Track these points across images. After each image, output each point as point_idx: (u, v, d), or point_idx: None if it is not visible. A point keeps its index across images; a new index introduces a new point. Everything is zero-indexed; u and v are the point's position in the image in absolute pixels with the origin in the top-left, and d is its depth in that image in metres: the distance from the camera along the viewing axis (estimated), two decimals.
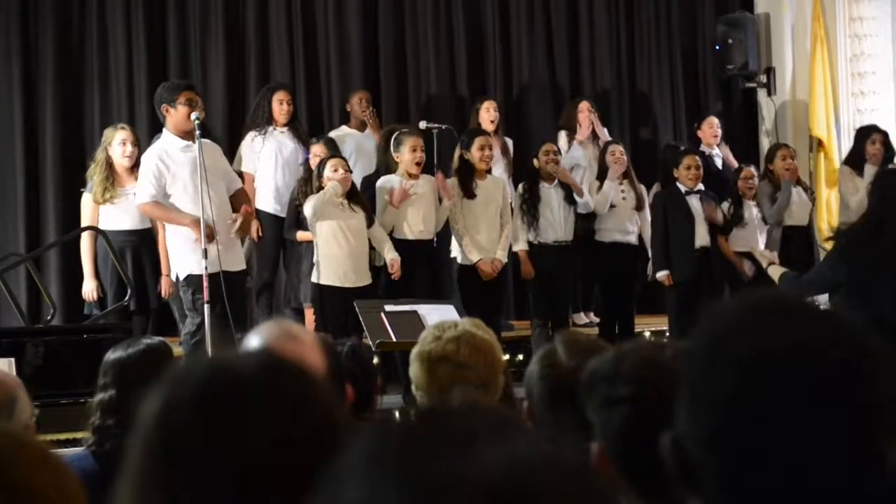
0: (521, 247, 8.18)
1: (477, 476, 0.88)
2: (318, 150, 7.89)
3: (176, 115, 6.64)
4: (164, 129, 6.80)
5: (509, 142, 9.19)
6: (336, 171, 7.27)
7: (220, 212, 6.65)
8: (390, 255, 7.42)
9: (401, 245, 7.53)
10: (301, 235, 7.67)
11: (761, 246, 8.76)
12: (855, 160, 9.07)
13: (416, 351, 2.91)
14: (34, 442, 1.40)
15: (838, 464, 1.07)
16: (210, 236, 6.46)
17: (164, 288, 7.33)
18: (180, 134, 6.66)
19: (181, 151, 6.63)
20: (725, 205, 8.84)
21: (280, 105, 8.39)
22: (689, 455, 1.13)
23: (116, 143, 7.23)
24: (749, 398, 1.10)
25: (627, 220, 8.52)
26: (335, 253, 7.24)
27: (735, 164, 9.29)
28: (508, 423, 0.95)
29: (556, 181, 8.29)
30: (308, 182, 7.57)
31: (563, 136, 9.17)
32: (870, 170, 8.60)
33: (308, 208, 7.23)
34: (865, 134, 9.11)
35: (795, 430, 1.08)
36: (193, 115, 6.59)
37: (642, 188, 8.66)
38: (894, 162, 8.98)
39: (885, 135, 9.06)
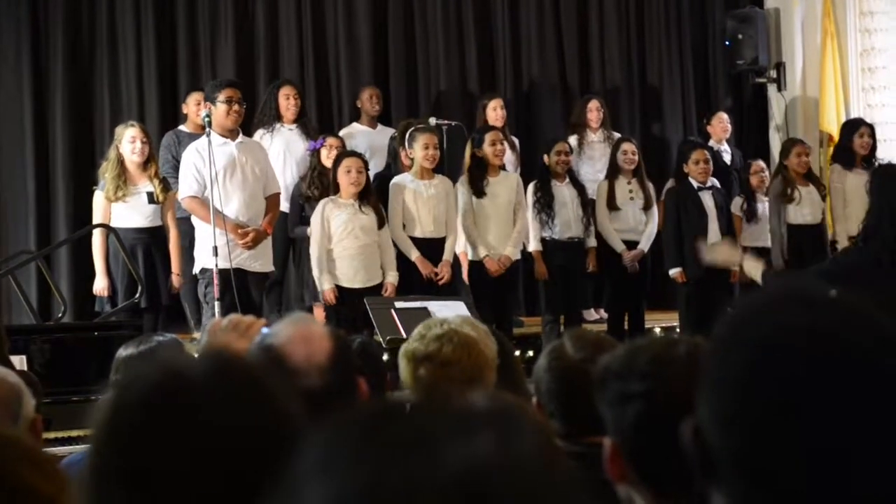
0: (534, 247, 8.18)
1: (433, 477, 0.87)
2: (334, 141, 7.88)
3: (216, 112, 6.88)
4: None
5: (516, 140, 9.18)
6: (349, 172, 7.22)
7: (250, 211, 6.93)
8: (415, 255, 7.46)
9: (413, 243, 7.56)
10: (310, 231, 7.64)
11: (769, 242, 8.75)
12: (843, 155, 9.01)
13: (402, 350, 2.93)
14: (23, 439, 1.41)
15: (854, 446, 1.07)
16: (243, 235, 6.78)
17: (175, 285, 7.39)
18: (220, 131, 6.88)
19: (218, 148, 6.81)
20: (738, 200, 8.84)
21: (287, 100, 8.40)
22: (708, 443, 1.13)
23: (126, 140, 7.25)
24: (764, 381, 1.10)
25: (636, 220, 8.50)
26: (343, 253, 7.24)
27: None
28: (470, 420, 0.93)
29: (567, 179, 8.29)
30: (321, 174, 7.56)
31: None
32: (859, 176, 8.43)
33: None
34: (853, 128, 9.05)
35: (809, 412, 1.08)
36: (203, 112, 6.80)
37: (651, 187, 8.63)
38: (875, 158, 8.92)
39: (872, 128, 9.01)
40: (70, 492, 1.38)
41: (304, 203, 7.78)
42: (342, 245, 7.23)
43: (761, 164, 9.04)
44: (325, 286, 7.18)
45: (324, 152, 7.81)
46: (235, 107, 6.89)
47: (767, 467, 1.09)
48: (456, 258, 7.94)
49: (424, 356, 2.86)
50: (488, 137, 7.90)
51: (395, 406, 0.96)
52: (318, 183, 7.66)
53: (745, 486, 1.10)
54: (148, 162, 7.28)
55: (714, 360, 1.16)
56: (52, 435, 4.86)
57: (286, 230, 8.09)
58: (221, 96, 6.88)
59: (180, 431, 1.31)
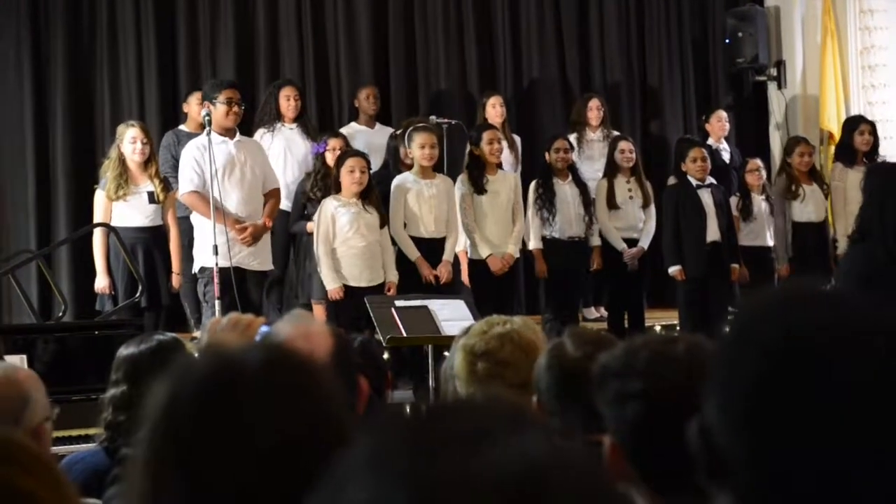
0: (535, 245, 8.18)
1: (487, 475, 0.86)
2: (335, 143, 7.89)
3: (215, 112, 6.96)
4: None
5: (517, 138, 9.18)
6: (352, 172, 7.23)
7: (248, 208, 6.99)
8: (415, 256, 7.46)
9: (413, 243, 7.55)
10: (311, 226, 7.63)
11: (769, 240, 8.74)
12: (844, 152, 9.00)
13: (462, 342, 2.91)
14: (17, 440, 1.40)
15: (866, 446, 1.06)
16: (241, 230, 6.84)
17: (175, 284, 7.41)
18: (219, 130, 6.95)
19: (217, 146, 6.87)
20: (734, 199, 8.84)
21: (287, 101, 8.43)
22: (716, 442, 1.12)
23: (127, 140, 7.25)
24: (776, 380, 1.09)
25: (635, 218, 8.50)
26: (348, 252, 7.24)
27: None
28: (519, 418, 0.93)
29: (570, 177, 8.30)
30: (325, 176, 7.57)
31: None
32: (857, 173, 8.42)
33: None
34: (853, 125, 9.05)
35: (821, 412, 1.07)
36: (203, 112, 6.88)
37: (649, 185, 8.63)
38: (878, 155, 8.93)
39: (873, 125, 9.01)
40: (68, 494, 1.38)
41: (306, 203, 7.78)
42: (347, 244, 7.24)
43: (758, 162, 9.04)
44: (332, 284, 7.18)
45: (328, 155, 7.80)
46: (235, 108, 6.96)
47: (780, 467, 1.08)
48: (456, 257, 7.94)
49: (483, 352, 2.84)
50: (486, 136, 7.90)
51: (444, 404, 0.96)
52: (322, 185, 7.65)
53: (756, 487, 1.10)
54: (149, 162, 7.30)
55: (723, 360, 1.15)
56: (52, 434, 4.85)
57: (286, 228, 8.09)
58: (221, 97, 6.95)
59: (233, 425, 1.32)
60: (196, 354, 2.06)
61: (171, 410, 1.35)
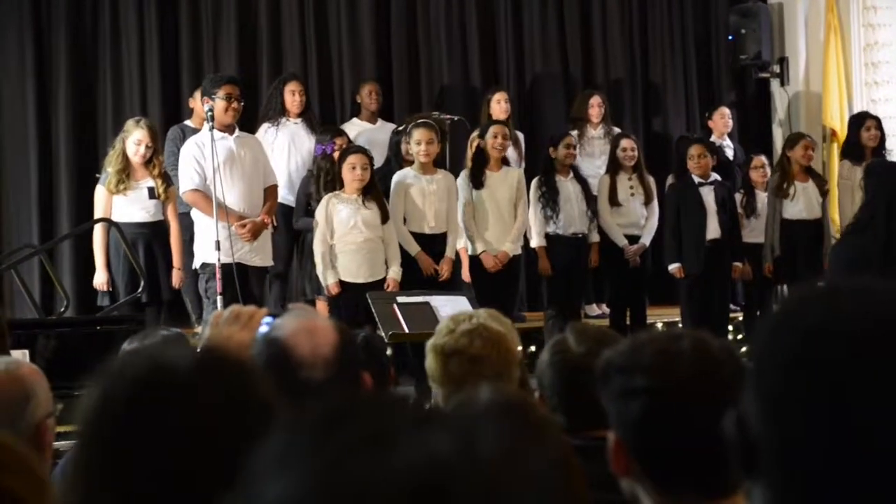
0: (538, 242, 8.18)
1: (391, 476, 0.85)
2: (342, 142, 7.87)
3: (215, 107, 6.92)
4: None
5: (520, 135, 9.17)
6: (353, 168, 7.22)
7: (248, 204, 7.00)
8: (415, 251, 7.46)
9: (414, 238, 7.55)
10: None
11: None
12: (852, 150, 8.98)
13: (431, 343, 2.91)
14: (7, 442, 1.40)
15: None
16: (243, 227, 6.85)
17: (176, 280, 7.40)
18: (218, 126, 6.91)
19: (217, 142, 6.84)
20: (738, 196, 8.83)
21: (293, 96, 8.45)
22: (751, 433, 1.11)
23: (132, 140, 7.24)
24: (812, 363, 1.08)
25: (637, 215, 8.50)
26: (346, 248, 7.24)
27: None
28: (425, 416, 0.91)
29: (572, 174, 8.29)
30: (329, 173, 7.55)
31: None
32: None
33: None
34: (859, 121, 9.03)
35: (857, 394, 1.06)
36: (206, 106, 6.86)
37: (651, 181, 8.62)
38: (885, 150, 8.92)
39: (878, 121, 8.99)
40: (51, 495, 1.38)
41: (310, 201, 7.77)
42: (345, 240, 7.24)
43: (763, 159, 9.02)
44: (329, 280, 7.18)
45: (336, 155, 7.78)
46: (234, 103, 6.95)
47: (812, 455, 1.07)
48: (457, 254, 7.94)
49: (454, 351, 2.84)
50: (491, 130, 7.92)
51: (353, 402, 0.95)
52: (331, 187, 7.60)
53: (786, 476, 1.08)
54: (149, 162, 7.29)
55: (761, 349, 1.14)
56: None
57: (290, 224, 8.09)
58: (221, 92, 6.94)
59: (163, 426, 1.32)
60: (198, 349, 2.06)
61: (103, 411, 1.35)
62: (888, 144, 9.14)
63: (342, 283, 7.20)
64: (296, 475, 0.88)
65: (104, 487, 1.32)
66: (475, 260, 7.89)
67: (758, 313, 8.53)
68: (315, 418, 0.93)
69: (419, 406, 0.94)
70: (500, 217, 7.88)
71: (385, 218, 7.34)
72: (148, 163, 7.27)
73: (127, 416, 1.34)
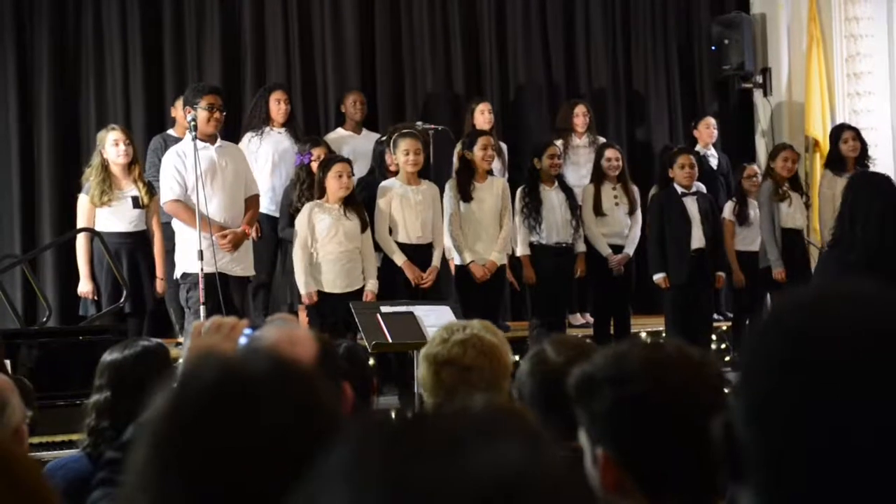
0: (522, 251, 8.19)
1: (463, 483, 0.86)
2: (319, 152, 7.87)
3: (198, 117, 6.90)
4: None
5: (504, 146, 9.18)
6: (339, 177, 7.22)
7: (230, 213, 6.97)
8: (401, 260, 7.46)
9: (400, 249, 7.55)
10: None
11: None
12: (833, 161, 9.03)
13: (424, 352, 2.91)
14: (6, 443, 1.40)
15: (885, 442, 1.05)
16: (224, 237, 6.81)
17: (160, 288, 7.39)
18: (200, 136, 6.90)
19: (198, 151, 6.81)
20: (730, 204, 8.86)
21: (278, 105, 8.46)
22: (739, 439, 1.11)
23: (109, 144, 7.23)
24: (798, 366, 1.08)
25: (621, 225, 8.51)
26: (325, 258, 7.23)
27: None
28: (494, 426, 0.92)
29: (556, 183, 8.30)
30: (310, 186, 7.54)
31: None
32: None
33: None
34: (837, 134, 9.10)
35: (842, 403, 1.06)
36: (189, 116, 6.84)
37: (636, 191, 8.64)
38: (868, 159, 8.95)
39: (856, 132, 9.04)
40: (52, 499, 1.37)
41: (292, 212, 7.76)
42: (325, 249, 7.23)
43: (755, 168, 9.07)
44: (305, 289, 7.18)
45: (314, 165, 7.78)
46: (216, 114, 6.92)
47: (798, 458, 1.06)
48: (444, 263, 7.94)
49: (446, 360, 2.84)
50: (480, 142, 7.92)
51: (421, 413, 0.96)
52: (308, 195, 7.61)
53: (773, 480, 1.08)
54: (132, 164, 7.28)
55: (749, 353, 1.14)
56: (36, 440, 4.83)
57: (273, 234, 8.07)
58: (203, 102, 6.91)
59: (237, 431, 1.33)
60: (182, 359, 2.05)
61: (174, 418, 1.36)
62: (871, 154, 9.17)
63: (320, 293, 7.20)
64: (366, 483, 0.88)
65: (177, 491, 1.32)
66: (460, 269, 7.89)
67: (747, 322, 8.54)
68: (384, 427, 0.93)
69: (485, 415, 0.95)
70: (488, 227, 7.89)
71: (364, 228, 7.34)
72: (130, 166, 7.25)
73: (199, 422, 1.34)
